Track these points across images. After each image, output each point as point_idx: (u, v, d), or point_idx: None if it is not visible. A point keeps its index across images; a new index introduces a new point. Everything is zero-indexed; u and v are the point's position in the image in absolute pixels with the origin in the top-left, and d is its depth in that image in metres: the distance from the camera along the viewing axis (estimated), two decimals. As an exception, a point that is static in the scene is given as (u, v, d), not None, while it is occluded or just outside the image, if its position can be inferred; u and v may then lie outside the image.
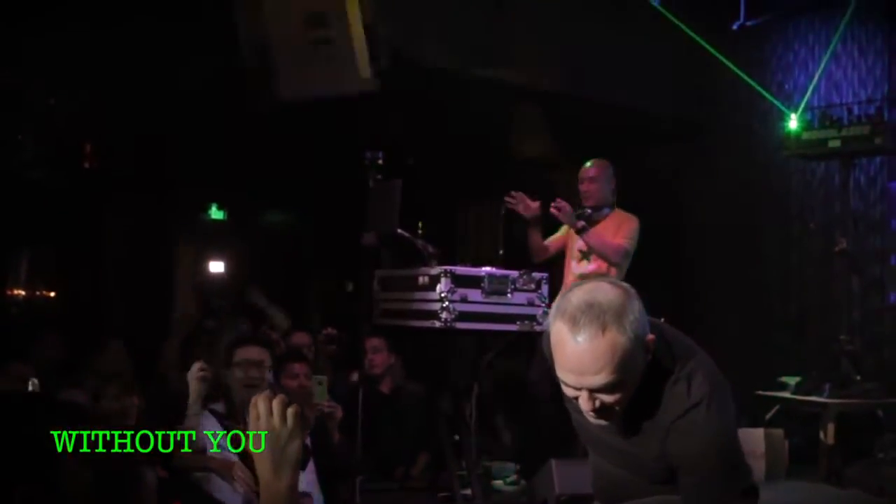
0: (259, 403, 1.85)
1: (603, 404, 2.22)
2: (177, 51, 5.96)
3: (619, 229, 5.49)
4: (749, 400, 6.17)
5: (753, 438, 5.83)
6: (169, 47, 5.95)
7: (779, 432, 5.84)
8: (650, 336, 2.25)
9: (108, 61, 5.97)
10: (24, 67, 6.10)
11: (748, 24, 7.04)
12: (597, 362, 2.15)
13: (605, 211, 5.60)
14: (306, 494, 4.10)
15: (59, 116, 6.68)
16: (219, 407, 4.24)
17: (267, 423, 1.83)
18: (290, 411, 1.83)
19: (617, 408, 2.24)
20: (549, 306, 5.13)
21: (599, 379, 2.17)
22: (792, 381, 6.02)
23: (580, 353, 2.16)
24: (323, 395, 4.66)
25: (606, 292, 2.21)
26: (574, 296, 2.22)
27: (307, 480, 4.13)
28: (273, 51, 4.76)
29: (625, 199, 5.64)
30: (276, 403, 1.84)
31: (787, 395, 5.96)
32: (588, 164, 5.61)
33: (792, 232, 7.11)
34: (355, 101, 5.16)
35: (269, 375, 4.25)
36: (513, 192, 5.44)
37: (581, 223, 5.43)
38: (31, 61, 5.98)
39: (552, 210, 5.39)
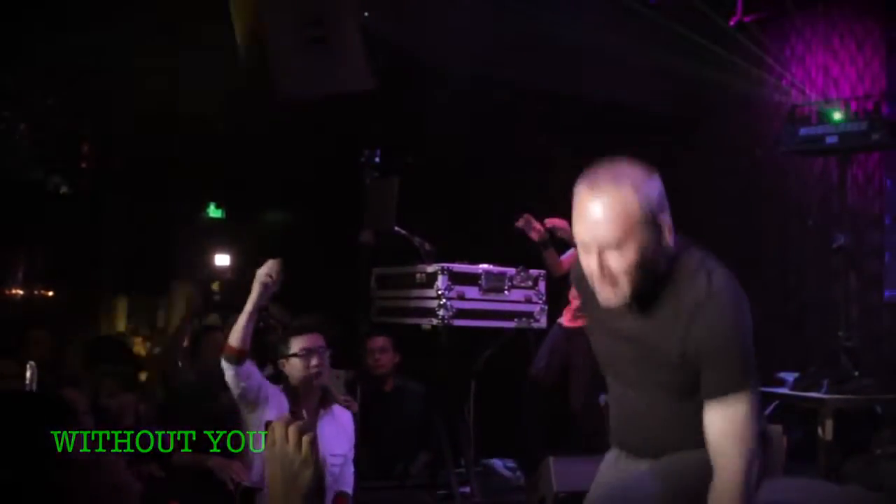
0: (276, 428, 1.84)
1: (610, 269, 2.33)
2: (174, 50, 5.97)
3: None
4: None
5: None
6: (166, 46, 5.96)
7: (777, 428, 5.83)
8: (667, 219, 2.36)
9: (105, 61, 5.97)
10: (23, 67, 6.10)
11: (745, 19, 7.03)
12: (607, 213, 2.29)
13: None
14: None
15: (56, 116, 6.69)
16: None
17: (282, 448, 1.82)
18: (305, 439, 1.81)
19: (623, 279, 2.33)
20: (546, 303, 5.15)
21: (607, 231, 2.30)
22: (790, 377, 6.02)
23: (595, 204, 2.31)
24: (340, 389, 4.69)
25: (630, 164, 2.37)
26: (600, 167, 2.39)
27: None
28: (270, 50, 4.75)
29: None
30: (291, 430, 1.82)
31: (785, 391, 5.96)
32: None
33: (790, 228, 7.10)
34: (352, 100, 5.16)
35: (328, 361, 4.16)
36: (522, 215, 5.38)
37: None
38: (30, 61, 5.98)
39: (547, 226, 5.34)
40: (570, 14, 6.48)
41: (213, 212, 8.70)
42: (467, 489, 4.90)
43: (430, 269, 4.78)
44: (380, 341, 5.58)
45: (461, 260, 4.87)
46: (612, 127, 6.74)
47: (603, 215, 2.30)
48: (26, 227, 7.37)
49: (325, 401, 4.09)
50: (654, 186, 2.35)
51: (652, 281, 2.37)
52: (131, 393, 4.44)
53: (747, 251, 7.21)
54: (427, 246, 4.95)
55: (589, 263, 2.38)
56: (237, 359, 3.83)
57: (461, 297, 4.72)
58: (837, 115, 6.30)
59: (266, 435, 1.84)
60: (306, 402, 4.02)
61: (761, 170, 7.27)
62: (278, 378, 4.21)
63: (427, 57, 5.98)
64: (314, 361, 3.99)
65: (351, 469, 4.10)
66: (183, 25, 5.77)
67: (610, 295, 2.38)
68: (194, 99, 6.39)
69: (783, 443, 5.82)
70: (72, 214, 7.53)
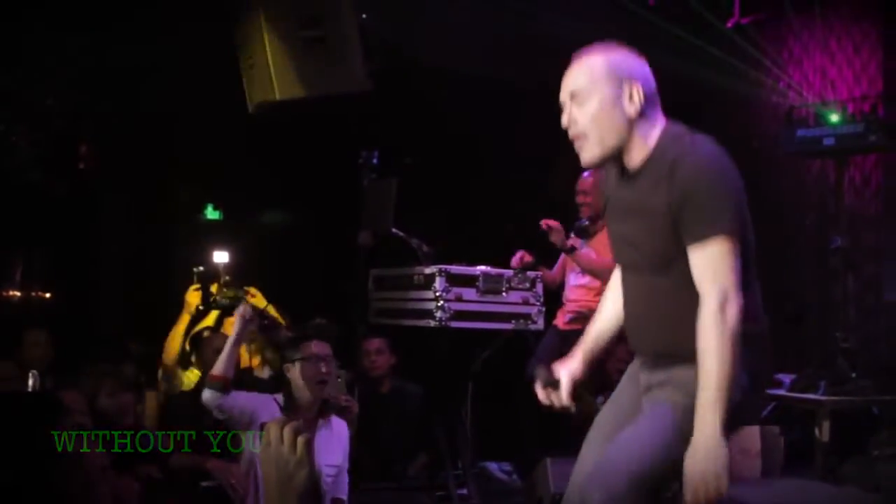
0: (270, 429, 1.84)
1: (576, 121, 2.61)
2: (171, 51, 5.97)
3: None
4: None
5: (749, 436, 5.84)
6: (164, 47, 5.96)
7: (774, 429, 5.85)
8: (636, 81, 2.60)
9: (104, 62, 5.97)
10: (22, 67, 6.10)
11: (742, 21, 7.04)
12: (575, 69, 2.63)
13: (601, 222, 5.50)
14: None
15: (55, 117, 6.68)
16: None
17: (276, 449, 1.81)
18: (300, 440, 1.81)
19: (590, 132, 2.60)
20: (543, 305, 5.15)
21: (573, 82, 2.62)
22: (787, 378, 6.03)
23: (572, 66, 2.66)
24: (342, 388, 4.69)
25: (612, 43, 2.70)
26: None
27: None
28: (267, 50, 4.75)
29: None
30: (286, 430, 1.82)
31: (782, 392, 5.97)
32: (585, 174, 5.47)
33: (787, 230, 7.11)
34: (350, 101, 5.16)
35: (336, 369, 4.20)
36: (548, 222, 5.37)
37: (570, 243, 5.39)
38: (29, 61, 5.98)
39: (543, 227, 5.34)
40: (568, 14, 6.49)
41: (211, 213, 8.69)
42: (464, 491, 4.90)
43: (428, 270, 4.78)
44: (376, 343, 5.58)
45: (459, 262, 4.87)
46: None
47: (573, 71, 2.65)
48: (24, 228, 7.36)
49: (324, 411, 4.09)
50: (627, 57, 2.65)
51: (620, 138, 2.61)
52: (131, 393, 4.44)
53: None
54: (425, 247, 4.94)
55: (564, 121, 2.66)
56: (222, 387, 3.86)
57: (459, 299, 4.72)
58: (834, 117, 6.31)
59: (261, 436, 1.84)
60: (305, 411, 3.99)
61: (758, 171, 7.26)
62: (278, 383, 4.20)
63: (426, 57, 5.98)
64: (322, 369, 4.00)
65: (345, 478, 4.11)
66: (181, 25, 5.77)
67: (585, 153, 2.66)
68: (191, 99, 6.40)
69: (780, 444, 5.83)
70: (69, 216, 7.53)
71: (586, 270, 5.48)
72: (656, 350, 2.71)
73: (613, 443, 2.67)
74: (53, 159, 7.03)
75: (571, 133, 2.65)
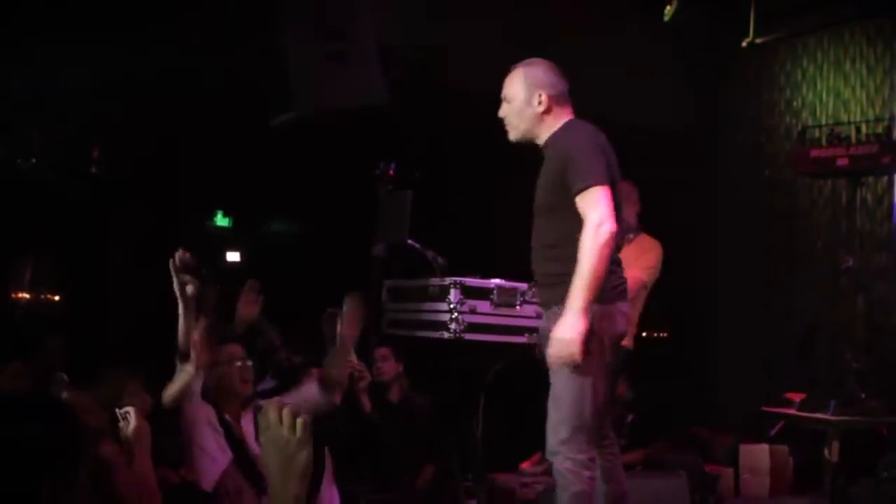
0: (269, 412, 1.86)
1: (505, 113, 3.75)
2: (187, 57, 5.99)
3: (639, 258, 5.43)
4: (754, 416, 6.19)
5: (758, 454, 5.86)
6: (179, 54, 5.98)
7: (783, 449, 5.87)
8: (544, 93, 3.67)
9: (118, 66, 5.99)
10: (37, 72, 6.12)
11: (757, 41, 7.05)
12: (508, 78, 3.77)
13: (629, 236, 5.47)
14: None
15: (69, 122, 6.69)
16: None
17: (276, 431, 1.84)
18: (299, 421, 1.84)
19: (511, 121, 3.73)
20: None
21: (504, 87, 3.76)
22: (797, 397, 6.03)
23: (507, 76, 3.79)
24: (351, 356, 4.73)
25: (538, 61, 3.77)
26: None
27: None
28: (289, 63, 4.77)
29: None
30: (286, 413, 1.85)
31: (792, 411, 5.97)
32: None
33: (799, 250, 7.12)
34: (368, 112, 5.18)
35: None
36: None
37: None
38: (44, 66, 6.00)
39: None
40: (584, 31, 6.52)
41: (221, 220, 8.70)
42: (474, 502, 4.90)
43: (443, 282, 4.78)
44: (381, 350, 5.60)
45: (474, 274, 4.87)
46: (625, 145, 6.75)
47: (507, 79, 3.77)
48: (35, 230, 7.37)
49: (246, 402, 4.20)
50: (539, 71, 3.72)
51: (533, 129, 3.70)
52: (149, 395, 4.44)
53: (756, 271, 7.24)
54: (440, 259, 4.95)
55: (500, 113, 3.78)
56: (182, 357, 3.97)
57: (473, 311, 4.71)
58: (848, 138, 6.33)
59: (259, 419, 1.86)
60: (229, 408, 4.12)
61: (771, 190, 7.30)
62: (277, 392, 4.26)
63: (443, 71, 6.00)
64: (242, 368, 4.15)
65: None
66: (197, 33, 5.79)
67: (509, 133, 3.77)
68: (205, 105, 6.41)
69: (789, 463, 5.84)
70: (81, 219, 7.54)
71: None
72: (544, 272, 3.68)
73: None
74: (67, 163, 7.06)
75: (504, 122, 3.76)
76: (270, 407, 1.86)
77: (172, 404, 3.96)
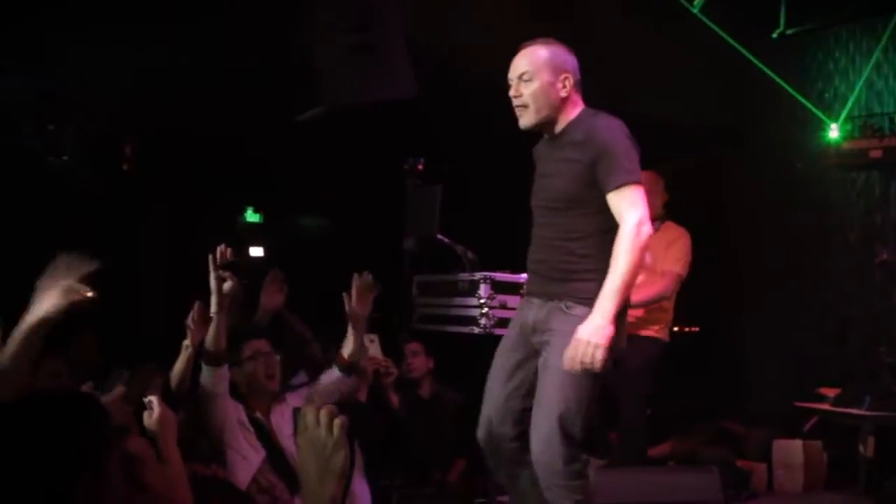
0: (307, 413, 1.86)
1: (520, 92, 3.45)
2: (217, 53, 6.01)
3: (669, 248, 5.43)
4: (788, 411, 6.13)
5: (792, 449, 5.81)
6: (210, 49, 6.00)
7: (817, 444, 5.81)
8: (568, 74, 3.45)
9: (148, 62, 6.02)
10: (68, 69, 6.16)
11: (788, 32, 6.98)
12: (523, 56, 3.47)
13: (655, 224, 5.49)
14: None
15: (100, 118, 6.74)
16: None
17: (314, 433, 1.84)
18: (336, 422, 1.85)
19: (531, 103, 3.43)
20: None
21: (520, 65, 3.46)
22: (831, 392, 5.97)
23: (519, 54, 3.50)
24: (376, 351, 4.75)
25: (552, 40, 3.51)
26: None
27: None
28: (316, 56, 4.78)
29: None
30: (323, 413, 1.86)
31: (826, 406, 5.91)
32: None
33: (831, 243, 7.05)
34: (397, 106, 5.18)
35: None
36: None
37: None
38: (75, 63, 6.04)
39: None
40: (614, 23, 6.48)
41: (251, 216, 8.74)
42: (505, 498, 4.89)
43: (473, 277, 4.77)
44: (412, 345, 5.62)
45: (503, 269, 4.85)
46: (655, 137, 6.71)
47: (520, 58, 3.47)
48: (67, 228, 7.43)
49: (275, 397, 4.24)
50: (562, 52, 3.48)
51: (554, 113, 3.46)
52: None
53: (789, 264, 7.17)
54: (470, 254, 4.94)
55: (511, 94, 3.49)
56: (217, 360, 3.94)
57: (503, 307, 4.69)
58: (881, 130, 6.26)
59: (297, 420, 1.87)
60: (259, 404, 4.16)
61: (803, 182, 7.22)
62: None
63: (472, 64, 5.98)
64: (268, 363, 4.17)
65: None
66: (225, 28, 5.81)
67: (524, 118, 3.49)
68: (235, 101, 6.43)
69: (823, 459, 5.78)
70: (112, 216, 7.60)
71: (651, 303, 5.44)
72: (555, 265, 3.48)
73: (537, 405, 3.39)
74: (98, 161, 7.11)
75: (517, 103, 3.48)
76: (308, 409, 1.87)
77: (180, 385, 3.97)
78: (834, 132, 6.45)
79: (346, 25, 4.83)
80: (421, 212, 5.05)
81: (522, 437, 3.50)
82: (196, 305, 3.99)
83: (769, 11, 6.98)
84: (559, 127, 3.50)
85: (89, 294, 2.81)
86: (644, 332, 5.44)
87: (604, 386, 5.63)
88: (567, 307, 3.39)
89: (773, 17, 6.99)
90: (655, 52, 6.68)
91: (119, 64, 5.98)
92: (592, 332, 3.19)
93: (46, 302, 2.80)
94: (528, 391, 3.50)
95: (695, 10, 6.64)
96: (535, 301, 3.52)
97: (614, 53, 6.42)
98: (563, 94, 3.45)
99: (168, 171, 7.57)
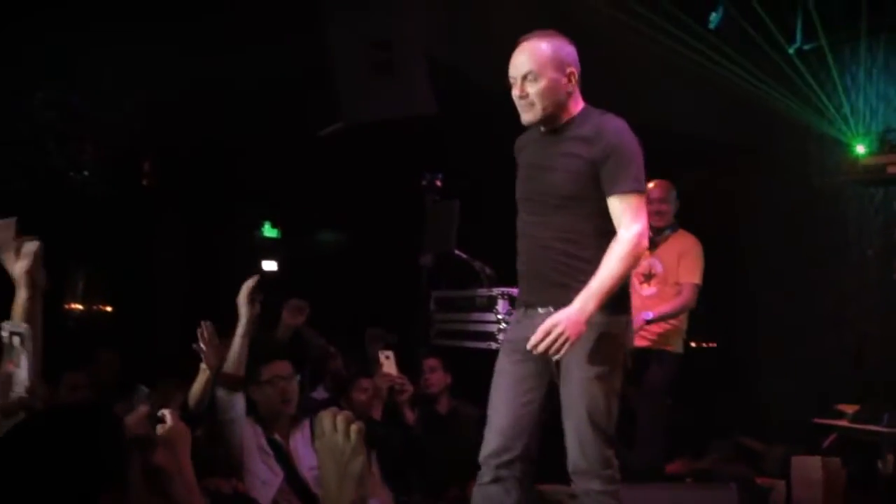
0: (324, 419, 1.88)
1: (526, 92, 3.29)
2: (236, 70, 6.06)
3: (682, 259, 5.45)
4: (806, 427, 6.11)
5: (810, 466, 5.77)
6: (228, 66, 6.05)
7: (836, 461, 5.77)
8: (572, 67, 3.32)
9: (167, 79, 6.07)
10: (89, 85, 6.22)
11: (805, 47, 6.98)
12: (526, 53, 3.30)
13: (667, 232, 5.56)
14: None
15: (120, 134, 6.80)
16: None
17: (331, 438, 1.86)
18: (353, 428, 1.87)
19: (537, 101, 3.28)
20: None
21: (524, 64, 3.29)
22: (849, 409, 5.95)
23: (519, 50, 3.33)
24: (391, 368, 4.76)
25: (551, 31, 3.37)
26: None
27: None
28: (337, 74, 4.82)
29: (681, 227, 5.63)
30: (340, 420, 1.87)
31: (844, 423, 5.89)
32: (651, 184, 5.47)
33: (849, 258, 7.02)
34: (415, 122, 5.21)
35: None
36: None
37: (643, 318, 5.30)
38: (96, 79, 6.10)
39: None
40: (630, 38, 6.49)
41: (269, 231, 8.80)
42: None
43: (490, 293, 4.79)
44: (430, 361, 5.61)
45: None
46: (670, 153, 6.72)
47: (523, 55, 3.30)
48: (88, 242, 7.49)
49: (296, 419, 4.19)
50: (565, 45, 3.34)
51: (559, 109, 3.32)
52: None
53: (806, 280, 7.15)
54: (487, 270, 4.96)
55: (514, 94, 3.33)
56: (235, 385, 3.93)
57: (521, 322, 4.71)
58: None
59: (313, 427, 1.89)
60: (278, 426, 4.11)
61: (820, 198, 7.20)
62: (332, 402, 4.27)
63: (490, 82, 6.01)
64: (285, 389, 4.10)
65: None
66: (246, 45, 5.85)
67: (528, 115, 3.34)
68: (253, 117, 6.48)
69: (842, 475, 5.75)
70: (131, 230, 7.65)
71: (673, 315, 5.45)
72: (552, 272, 3.34)
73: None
74: (116, 175, 7.16)
75: (523, 102, 3.32)
76: (325, 414, 1.89)
77: (198, 406, 3.94)
78: (861, 149, 6.45)
79: (368, 43, 4.86)
80: (439, 228, 5.08)
81: (525, 460, 3.45)
82: (204, 325, 3.91)
83: (786, 25, 6.98)
84: (561, 120, 3.37)
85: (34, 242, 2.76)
86: (668, 348, 5.45)
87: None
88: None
89: (790, 31, 7.00)
90: (670, 65, 6.70)
91: (139, 81, 6.04)
92: (569, 325, 3.09)
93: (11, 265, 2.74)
94: (540, 405, 3.44)
95: (711, 26, 6.66)
96: (541, 311, 3.35)
97: (630, 68, 6.44)
98: (570, 88, 3.33)
99: (186, 187, 7.62)
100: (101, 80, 6.09)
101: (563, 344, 3.09)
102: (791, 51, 7.00)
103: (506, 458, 3.41)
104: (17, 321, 2.56)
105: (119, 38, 5.68)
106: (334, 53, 4.83)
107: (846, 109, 7.12)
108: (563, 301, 3.22)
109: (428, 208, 5.13)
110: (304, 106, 5.85)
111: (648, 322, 5.30)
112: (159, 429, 3.10)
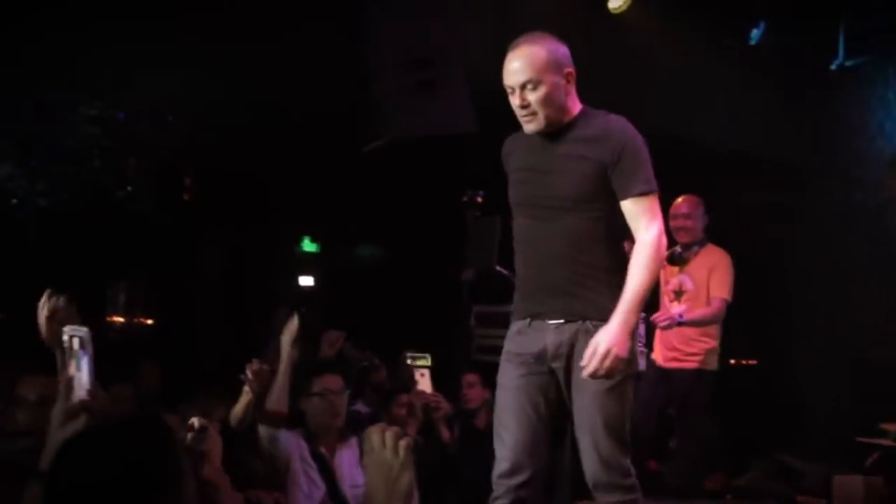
0: (372, 435, 1.90)
1: (528, 101, 3.15)
2: (277, 86, 6.12)
3: (712, 273, 5.44)
4: (849, 447, 6.04)
5: (853, 485, 5.71)
6: (269, 83, 6.12)
7: (879, 480, 5.71)
8: (569, 68, 3.20)
9: (210, 96, 6.15)
10: (131, 100, 6.32)
11: (847, 63, 6.94)
12: (520, 61, 3.15)
13: (695, 248, 5.54)
14: None
15: (163, 149, 6.89)
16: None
17: (380, 454, 1.87)
18: (402, 444, 1.87)
19: (540, 110, 3.15)
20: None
21: (522, 73, 3.14)
22: (893, 428, 5.88)
23: (513, 57, 3.17)
24: (426, 386, 4.77)
25: (541, 33, 3.23)
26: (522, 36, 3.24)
27: None
28: (379, 91, 4.86)
29: (720, 243, 5.61)
30: (388, 435, 1.88)
31: (888, 442, 5.82)
32: (679, 199, 5.53)
33: (892, 275, 6.95)
34: (456, 139, 5.23)
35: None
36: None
37: (677, 315, 5.34)
38: (139, 94, 6.19)
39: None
40: (668, 54, 6.50)
41: (308, 245, 8.85)
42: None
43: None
44: (469, 377, 5.62)
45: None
46: (711, 170, 6.71)
47: (518, 62, 3.15)
48: (129, 255, 7.59)
49: (343, 434, 4.22)
50: (559, 47, 3.20)
51: (561, 113, 3.19)
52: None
53: (849, 297, 7.08)
54: (528, 286, 4.96)
55: (514, 103, 3.20)
56: (279, 421, 3.97)
57: (561, 338, 4.70)
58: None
59: (362, 443, 1.90)
60: (325, 440, 4.15)
61: (861, 215, 7.14)
62: (375, 416, 4.29)
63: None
64: (335, 402, 4.14)
65: None
66: (287, 60, 5.92)
67: (532, 125, 3.20)
68: (295, 132, 6.54)
69: (885, 495, 5.68)
70: (172, 244, 7.74)
71: (701, 324, 5.43)
72: (561, 281, 3.22)
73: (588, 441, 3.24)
74: (159, 190, 7.26)
75: (524, 112, 3.19)
76: (374, 430, 1.90)
77: (239, 425, 3.99)
78: (894, 164, 6.37)
79: (410, 61, 4.89)
80: (480, 244, 5.09)
81: (539, 478, 3.39)
82: (253, 363, 3.96)
83: (828, 42, 6.95)
84: (561, 122, 3.24)
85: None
86: (704, 367, 5.46)
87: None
88: (594, 326, 3.15)
89: (832, 48, 6.96)
90: (712, 81, 6.69)
91: (181, 97, 6.12)
92: (616, 343, 3.01)
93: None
94: (550, 420, 3.36)
95: (752, 42, 6.64)
96: (551, 323, 3.25)
97: (669, 84, 6.44)
98: (569, 90, 3.22)
99: (227, 201, 7.70)
100: (144, 96, 6.18)
101: (614, 364, 3.02)
102: (833, 66, 6.96)
103: (521, 478, 3.34)
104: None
105: (164, 56, 5.77)
106: (376, 70, 4.87)
107: (889, 126, 7.07)
108: (572, 311, 3.19)
109: (469, 224, 5.14)
110: (344, 121, 5.90)
111: (680, 324, 5.29)
112: (189, 438, 3.14)
